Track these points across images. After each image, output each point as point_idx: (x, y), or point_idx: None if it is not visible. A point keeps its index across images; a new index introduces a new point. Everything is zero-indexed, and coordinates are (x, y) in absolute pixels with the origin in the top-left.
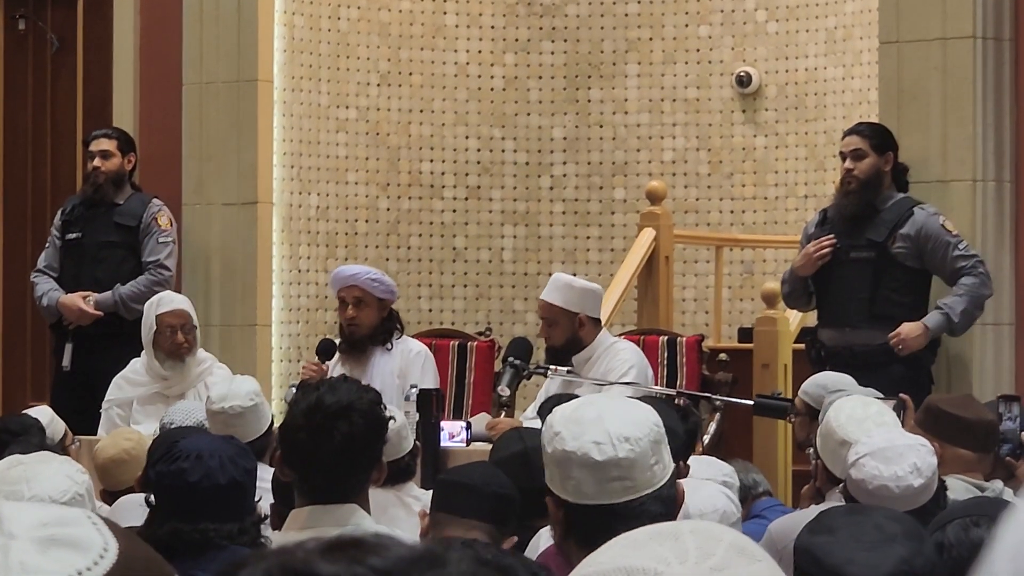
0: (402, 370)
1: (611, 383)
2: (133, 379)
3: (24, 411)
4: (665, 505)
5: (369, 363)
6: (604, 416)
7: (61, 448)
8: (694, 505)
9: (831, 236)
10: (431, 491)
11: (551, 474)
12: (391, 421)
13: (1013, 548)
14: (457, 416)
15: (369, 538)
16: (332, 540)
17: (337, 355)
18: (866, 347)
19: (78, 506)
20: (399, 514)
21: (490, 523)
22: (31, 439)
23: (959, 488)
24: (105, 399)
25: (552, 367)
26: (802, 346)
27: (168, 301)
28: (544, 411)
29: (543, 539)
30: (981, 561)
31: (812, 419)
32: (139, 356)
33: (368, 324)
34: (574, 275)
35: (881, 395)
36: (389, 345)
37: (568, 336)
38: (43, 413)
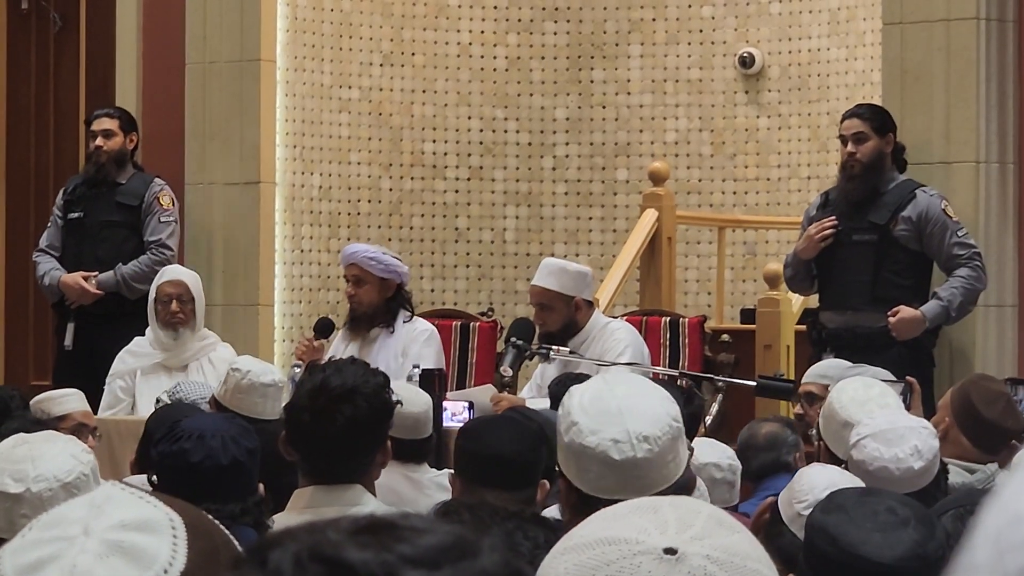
0: (405, 349)
1: (611, 363)
2: (136, 352)
3: (59, 395)
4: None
5: (374, 344)
6: (624, 410)
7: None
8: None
9: (833, 218)
10: (456, 458)
11: (566, 462)
12: (398, 405)
13: (995, 531)
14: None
15: (402, 521)
16: (364, 522)
17: (343, 334)
18: (868, 329)
19: (83, 486)
20: (406, 493)
21: (522, 489)
22: (26, 414)
23: (950, 470)
24: (109, 374)
25: (554, 347)
26: (804, 327)
27: (171, 272)
28: (555, 388)
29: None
30: (964, 545)
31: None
32: (142, 335)
33: (367, 303)
34: (565, 257)
35: (894, 378)
36: (391, 328)
37: (565, 320)
38: (76, 398)
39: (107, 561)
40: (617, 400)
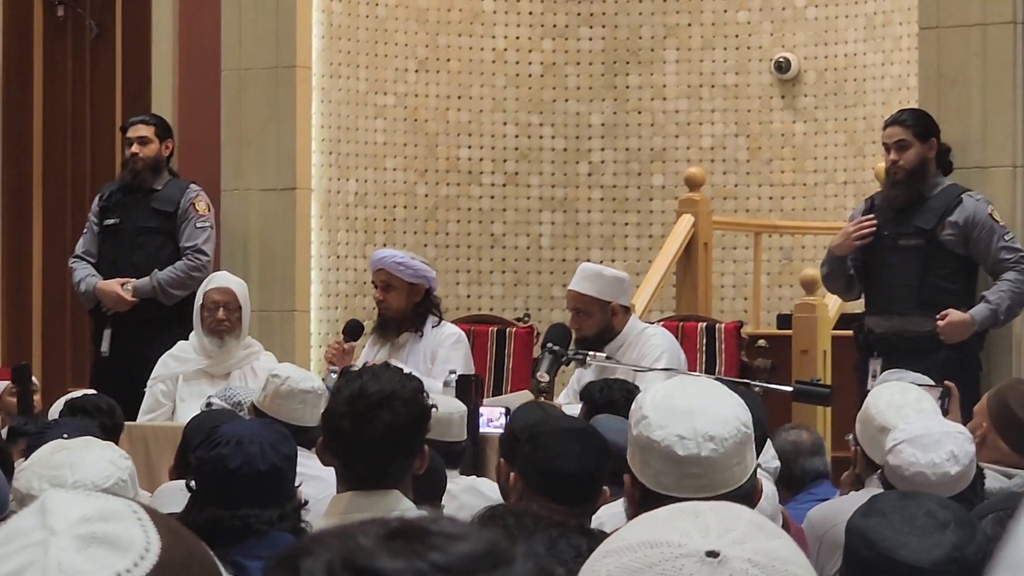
0: (433, 354)
1: (647, 369)
2: (180, 356)
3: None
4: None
5: (403, 349)
6: (694, 409)
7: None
8: None
9: (872, 217)
10: (522, 463)
11: (632, 455)
12: (434, 409)
13: None
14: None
15: (434, 527)
16: (396, 527)
17: (372, 339)
18: (915, 333)
19: (121, 492)
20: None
21: (583, 505)
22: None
23: (987, 475)
24: (151, 377)
25: (591, 353)
26: (841, 332)
27: (219, 279)
28: (587, 393)
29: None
30: (1007, 539)
31: None
32: (180, 341)
33: (396, 307)
34: (601, 263)
35: (933, 382)
36: (419, 332)
37: (601, 326)
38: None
39: (88, 552)
40: (688, 399)
